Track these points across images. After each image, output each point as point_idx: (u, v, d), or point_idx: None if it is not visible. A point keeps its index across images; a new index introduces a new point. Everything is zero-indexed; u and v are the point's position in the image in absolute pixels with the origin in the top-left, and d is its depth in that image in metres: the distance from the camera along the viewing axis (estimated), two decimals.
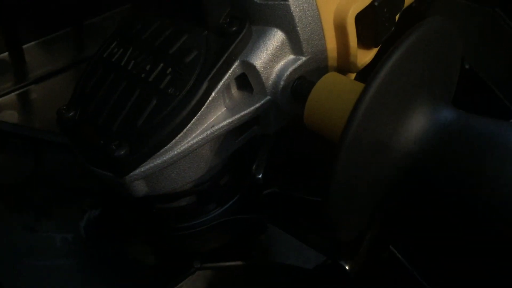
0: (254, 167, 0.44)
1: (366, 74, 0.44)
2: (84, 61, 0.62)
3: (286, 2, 0.38)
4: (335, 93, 0.37)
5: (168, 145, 0.38)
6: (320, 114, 0.37)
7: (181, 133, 0.38)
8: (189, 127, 0.38)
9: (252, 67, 0.39)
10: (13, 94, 0.61)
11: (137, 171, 0.38)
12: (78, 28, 0.64)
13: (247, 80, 0.40)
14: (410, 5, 0.49)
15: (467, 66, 0.56)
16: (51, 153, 0.56)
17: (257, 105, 0.40)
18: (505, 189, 0.32)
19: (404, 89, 0.33)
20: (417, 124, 0.34)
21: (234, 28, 0.39)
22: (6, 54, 0.62)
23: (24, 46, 0.62)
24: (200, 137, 0.38)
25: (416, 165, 0.34)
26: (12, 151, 0.57)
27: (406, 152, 0.34)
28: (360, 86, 0.36)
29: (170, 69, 0.39)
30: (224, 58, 0.38)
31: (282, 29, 0.39)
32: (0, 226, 0.52)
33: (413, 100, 0.34)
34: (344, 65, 0.42)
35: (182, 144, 0.38)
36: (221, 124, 0.39)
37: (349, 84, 0.38)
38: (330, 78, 0.38)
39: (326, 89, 0.38)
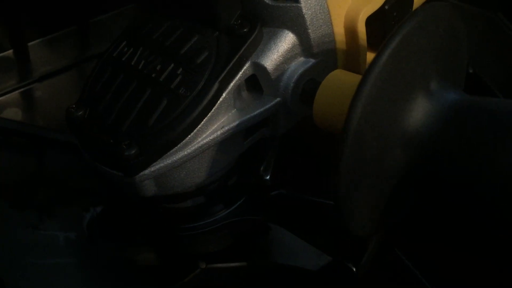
0: (262, 168, 0.44)
1: None
2: (89, 59, 0.62)
3: (298, 4, 0.38)
4: (341, 89, 0.37)
5: (178, 146, 0.38)
6: (328, 110, 0.38)
7: (192, 134, 0.38)
8: (200, 127, 0.38)
9: (263, 69, 0.39)
10: (17, 92, 0.61)
11: (146, 171, 0.38)
12: (83, 27, 0.64)
13: (258, 82, 0.40)
14: None
15: (470, 70, 0.56)
16: (55, 151, 0.56)
17: (267, 106, 0.40)
18: None
19: (407, 73, 0.33)
20: (423, 107, 0.34)
21: (245, 30, 0.39)
22: (10, 51, 0.62)
23: (29, 44, 0.62)
24: (210, 138, 0.39)
25: (424, 148, 0.34)
26: (15, 149, 0.57)
27: (413, 136, 0.34)
28: None
29: (181, 70, 0.39)
30: (235, 59, 0.38)
31: (293, 31, 0.39)
32: (3, 224, 0.52)
33: (418, 83, 0.34)
34: (354, 67, 0.42)
35: (192, 145, 0.38)
36: (231, 125, 0.39)
37: (355, 78, 0.38)
38: (337, 75, 0.38)
39: (332, 86, 0.38)
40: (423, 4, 0.47)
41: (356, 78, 0.38)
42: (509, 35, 0.56)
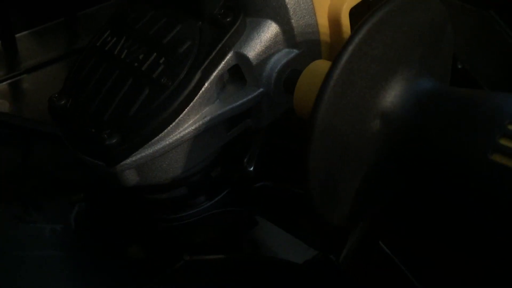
0: (245, 160, 0.44)
1: None
2: (76, 52, 0.62)
3: None
4: (321, 77, 0.37)
5: (160, 135, 0.38)
6: (307, 99, 0.37)
7: (173, 123, 0.38)
8: (181, 117, 0.38)
9: (246, 59, 0.39)
10: (4, 83, 0.61)
11: (128, 160, 0.38)
12: (71, 19, 0.64)
13: (240, 72, 0.40)
14: None
15: (460, 66, 0.56)
16: (41, 143, 0.56)
17: (250, 97, 0.40)
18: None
19: (377, 61, 0.33)
20: (394, 95, 0.34)
21: (228, 19, 0.39)
22: None
23: (17, 36, 0.62)
24: (192, 128, 0.38)
25: (395, 133, 0.34)
26: (1, 140, 0.56)
27: (384, 120, 0.34)
28: None
29: (163, 59, 0.38)
30: (217, 49, 0.38)
31: (276, 21, 0.39)
32: None
33: (390, 68, 0.34)
34: None
35: (174, 134, 0.38)
36: (213, 115, 0.39)
37: None
38: (318, 64, 0.38)
39: (312, 74, 0.38)
40: None
41: None
42: (501, 33, 0.56)
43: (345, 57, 0.31)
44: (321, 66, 0.37)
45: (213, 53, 0.38)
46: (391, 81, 0.33)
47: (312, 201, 0.33)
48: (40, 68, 0.61)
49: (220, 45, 0.38)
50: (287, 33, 0.39)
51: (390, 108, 0.33)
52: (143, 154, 0.38)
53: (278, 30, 0.39)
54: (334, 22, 0.40)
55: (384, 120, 0.33)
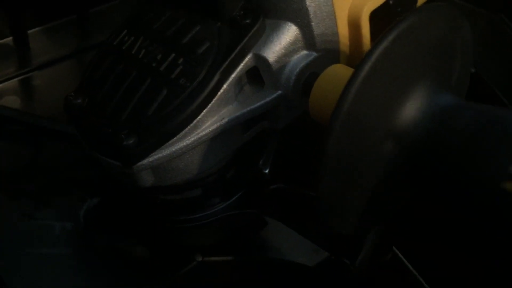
0: (261, 162, 0.44)
1: None
2: (88, 49, 0.62)
3: None
4: (338, 83, 0.37)
5: (177, 136, 0.38)
6: (322, 103, 0.37)
7: (191, 125, 0.38)
8: (199, 118, 0.38)
9: (265, 61, 0.39)
10: (15, 79, 0.61)
11: (145, 161, 0.38)
12: (84, 16, 0.63)
13: (259, 74, 0.39)
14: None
15: (472, 70, 0.56)
16: (52, 140, 0.55)
17: (268, 99, 0.39)
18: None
19: (399, 71, 0.33)
20: (412, 107, 0.33)
21: (247, 21, 0.38)
22: (10, 39, 0.62)
23: (29, 32, 0.62)
24: (210, 129, 0.38)
25: (411, 151, 0.34)
26: (12, 137, 0.56)
27: (400, 132, 0.33)
28: None
29: (181, 60, 0.38)
30: (236, 50, 0.38)
31: (296, 24, 0.39)
32: None
33: (409, 83, 0.33)
34: (357, 62, 0.41)
35: (191, 136, 0.38)
36: (231, 117, 0.39)
37: None
38: (335, 69, 0.38)
39: (329, 79, 0.37)
40: (427, 1, 0.47)
41: None
42: (511, 37, 0.56)
43: (367, 65, 0.31)
44: (339, 71, 0.37)
45: (232, 55, 0.38)
46: (409, 94, 0.33)
47: (321, 206, 0.33)
48: (52, 64, 0.61)
49: (239, 47, 0.38)
50: (307, 36, 0.39)
51: (407, 121, 0.33)
52: (160, 155, 0.38)
53: (298, 32, 0.39)
54: (354, 26, 0.40)
55: (400, 132, 0.33)
